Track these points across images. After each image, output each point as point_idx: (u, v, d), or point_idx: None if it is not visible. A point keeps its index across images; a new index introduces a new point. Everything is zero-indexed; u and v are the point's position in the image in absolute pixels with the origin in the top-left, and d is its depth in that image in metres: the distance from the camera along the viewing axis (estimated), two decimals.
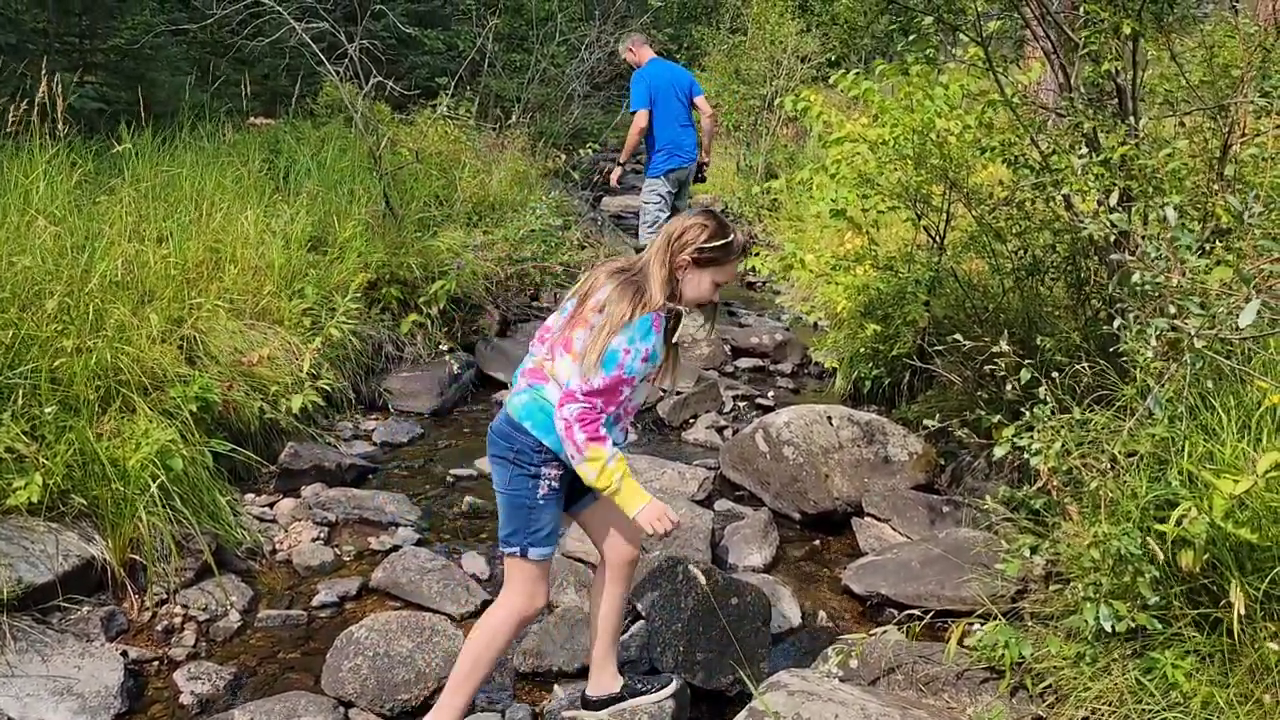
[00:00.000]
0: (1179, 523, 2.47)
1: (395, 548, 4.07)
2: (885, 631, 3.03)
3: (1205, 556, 2.50)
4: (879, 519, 4.53)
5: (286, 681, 3.23)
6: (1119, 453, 2.70)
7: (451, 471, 4.91)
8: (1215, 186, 3.23)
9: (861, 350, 5.82)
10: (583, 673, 3.32)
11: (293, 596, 3.73)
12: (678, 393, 6.07)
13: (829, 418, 4.90)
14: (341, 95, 6.90)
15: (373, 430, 5.34)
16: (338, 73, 6.74)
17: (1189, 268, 2.32)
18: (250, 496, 4.40)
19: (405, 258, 6.02)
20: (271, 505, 4.37)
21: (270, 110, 8.43)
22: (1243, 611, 2.28)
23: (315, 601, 3.68)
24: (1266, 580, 2.45)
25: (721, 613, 3.44)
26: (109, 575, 3.44)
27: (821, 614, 3.87)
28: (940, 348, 4.35)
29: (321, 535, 4.17)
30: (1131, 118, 3.31)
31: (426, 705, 3.09)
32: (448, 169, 7.53)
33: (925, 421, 3.41)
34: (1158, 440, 2.70)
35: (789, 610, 3.83)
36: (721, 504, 4.79)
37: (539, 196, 8.30)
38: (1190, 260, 2.34)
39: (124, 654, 3.20)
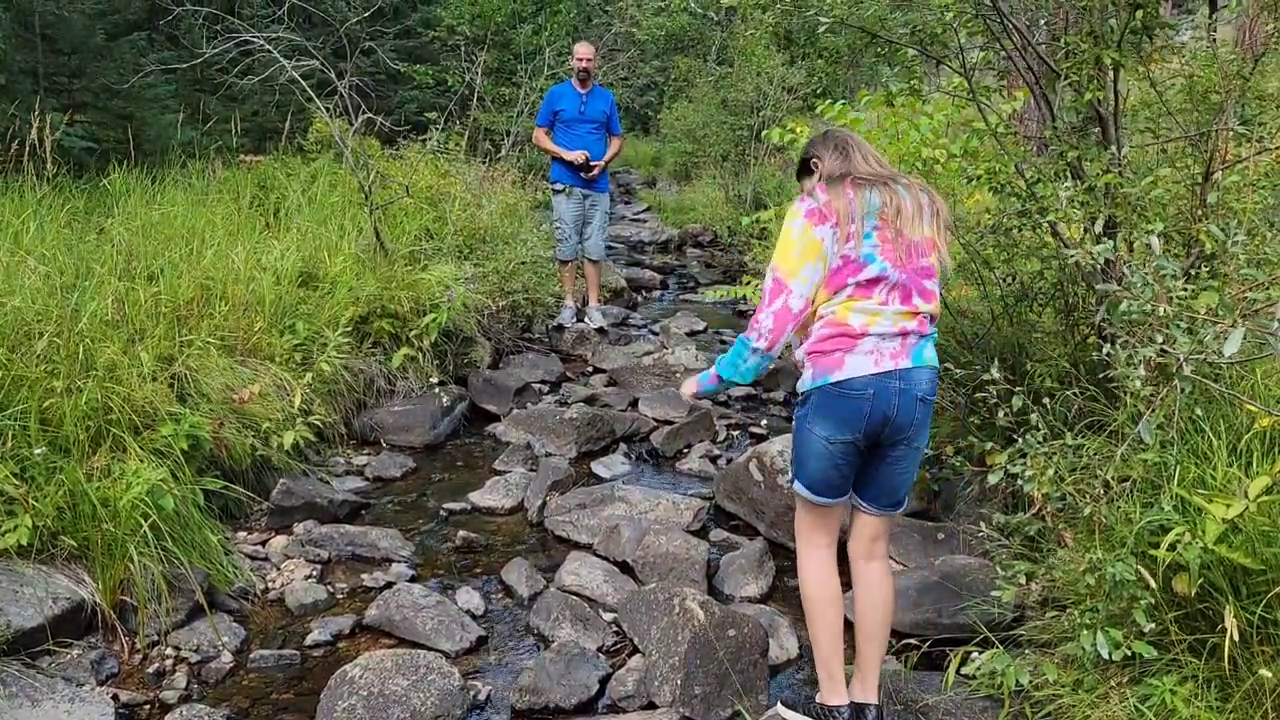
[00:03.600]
0: (1172, 548, 2.48)
1: (389, 584, 4.04)
2: (883, 661, 3.00)
3: (1199, 581, 2.51)
4: None
5: None
6: (1111, 478, 2.70)
7: (444, 506, 4.89)
8: (1199, 213, 3.27)
9: None
10: (580, 709, 3.29)
11: (285, 636, 3.70)
12: (670, 423, 6.08)
13: None
14: (331, 131, 6.92)
15: (365, 465, 5.32)
16: (327, 109, 6.78)
17: (1174, 295, 2.34)
18: (242, 534, 4.38)
19: (396, 291, 6.02)
20: (264, 543, 4.34)
21: (260, 147, 8.48)
22: (1236, 636, 2.28)
23: (308, 640, 3.65)
24: (1262, 604, 2.46)
25: (719, 645, 3.42)
26: (99, 617, 3.41)
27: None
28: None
29: (314, 573, 4.14)
30: (1114, 146, 3.35)
31: None
32: (438, 202, 7.56)
33: None
34: (1150, 465, 2.71)
35: (787, 641, 3.81)
36: (716, 534, 4.78)
37: (530, 228, 8.34)
38: (1176, 288, 2.36)
39: (114, 698, 3.16)
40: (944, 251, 2.72)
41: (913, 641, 3.29)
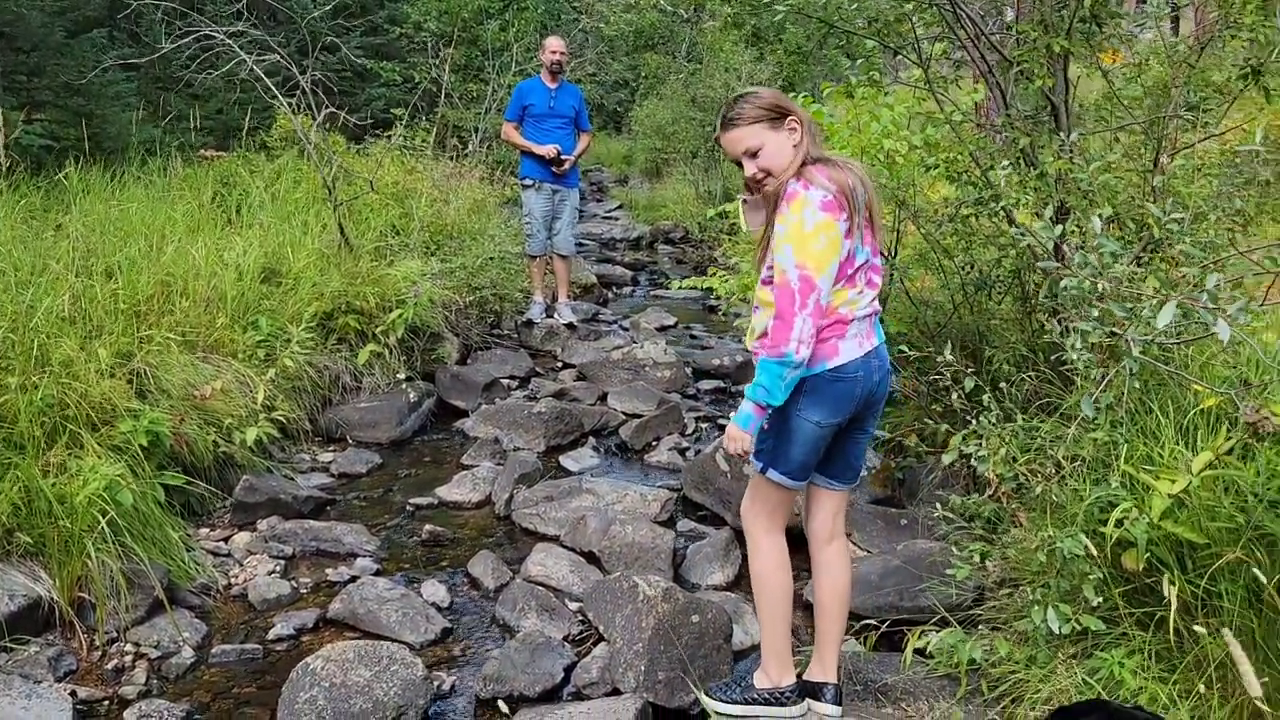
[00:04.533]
0: (1120, 524, 2.53)
1: (353, 579, 4.03)
2: (844, 643, 3.04)
3: (1146, 556, 2.56)
4: None
5: (242, 717, 3.18)
6: (1063, 458, 2.75)
7: (411, 501, 4.87)
8: (1148, 198, 3.33)
9: None
10: (545, 696, 3.30)
11: (248, 631, 3.68)
12: (639, 416, 6.09)
13: None
14: (294, 127, 6.88)
15: (330, 461, 5.30)
16: (290, 105, 6.74)
17: (1114, 274, 2.39)
18: (205, 531, 4.35)
19: (361, 287, 6.00)
20: (227, 539, 4.32)
21: (223, 144, 8.40)
22: (1176, 606, 2.32)
23: (271, 635, 3.63)
24: (1205, 577, 2.51)
25: (683, 631, 3.44)
26: (57, 614, 3.38)
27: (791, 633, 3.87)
28: (896, 360, 4.41)
29: (278, 568, 4.12)
30: (1063, 133, 3.41)
31: None
32: (404, 199, 7.53)
33: (876, 432, 3.45)
34: (1100, 445, 2.76)
35: (751, 627, 3.83)
36: (684, 524, 4.80)
37: (498, 224, 8.33)
38: (1117, 267, 2.41)
39: (73, 694, 3.14)
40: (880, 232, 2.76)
41: (873, 623, 3.32)
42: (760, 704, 2.87)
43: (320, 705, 3.05)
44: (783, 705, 2.84)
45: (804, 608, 4.01)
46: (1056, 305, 2.98)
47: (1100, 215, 2.49)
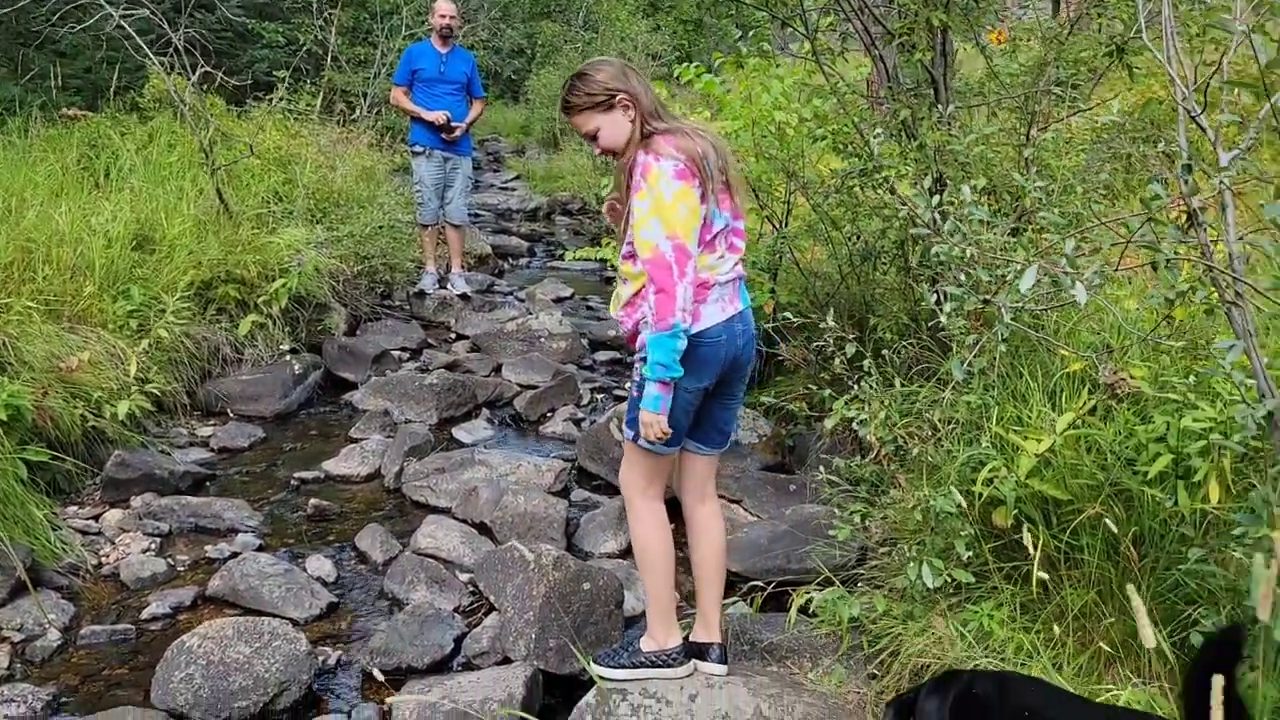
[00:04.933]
0: (990, 483, 2.63)
1: (234, 555, 3.90)
2: (732, 604, 3.09)
3: (1014, 513, 2.68)
4: (730, 500, 4.63)
5: (113, 698, 3.05)
6: (939, 421, 2.85)
7: (296, 475, 4.74)
8: (1020, 170, 3.46)
9: None
10: (435, 668, 3.27)
11: (120, 611, 3.53)
12: (534, 387, 6.05)
13: None
14: (168, 88, 6.54)
15: (210, 436, 5.10)
16: (163, 64, 6.40)
17: (981, 240, 2.47)
18: (73, 509, 4.14)
19: (242, 255, 5.77)
20: (97, 517, 4.12)
21: (91, 104, 7.92)
22: (1040, 559, 2.44)
23: (145, 614, 3.49)
24: (1068, 532, 2.64)
25: (574, 599, 3.45)
26: None
27: (675, 595, 3.92)
28: (783, 327, 4.49)
29: (153, 546, 3.95)
30: (942, 105, 3.51)
31: (266, 712, 2.99)
32: (288, 164, 7.25)
33: (762, 399, 3.50)
34: (973, 408, 2.87)
35: (644, 593, 3.86)
36: (578, 494, 4.81)
37: (387, 192, 8.12)
38: (986, 234, 2.50)
39: None
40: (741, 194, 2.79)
41: (760, 585, 3.40)
42: (647, 667, 2.90)
43: (197, 684, 2.95)
44: (669, 666, 2.88)
45: (686, 571, 4.09)
46: (936, 273, 3.07)
47: (972, 185, 2.57)
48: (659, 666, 2.89)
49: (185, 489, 4.48)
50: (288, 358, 5.71)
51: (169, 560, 3.86)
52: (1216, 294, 2.11)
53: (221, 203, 6.05)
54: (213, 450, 4.99)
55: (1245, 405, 2.00)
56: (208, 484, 4.63)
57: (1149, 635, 1.13)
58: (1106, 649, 2.46)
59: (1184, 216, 2.22)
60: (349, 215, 7.13)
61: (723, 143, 2.71)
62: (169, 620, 3.49)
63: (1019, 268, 1.92)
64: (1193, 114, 2.11)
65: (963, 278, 2.41)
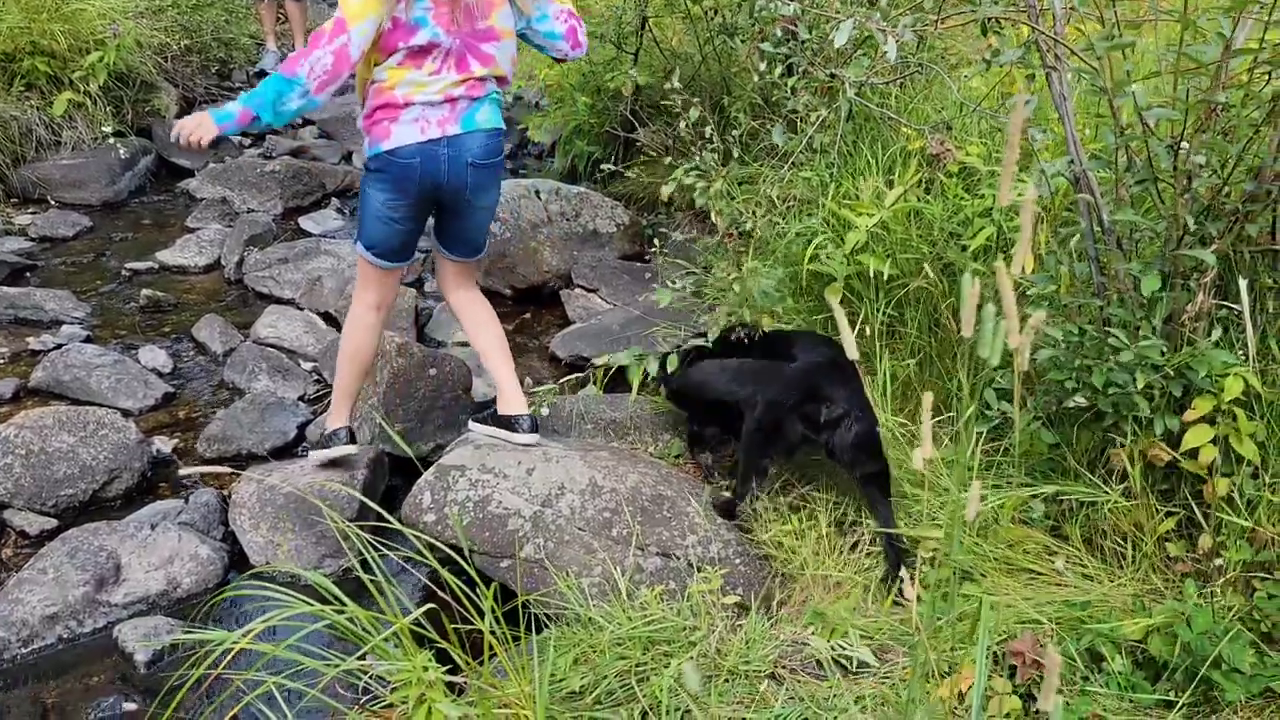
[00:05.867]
0: (816, 258, 2.66)
1: (58, 346, 3.69)
2: (569, 380, 3.12)
3: (844, 289, 2.73)
4: (587, 289, 4.62)
5: None
6: (776, 197, 2.83)
7: (128, 265, 4.47)
8: None
9: (576, 126, 5.74)
10: (276, 454, 3.24)
11: None
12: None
13: (536, 192, 4.84)
14: None
15: (29, 225, 4.73)
16: None
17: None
18: None
19: (48, 24, 5.16)
20: None
21: None
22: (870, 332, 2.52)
23: None
24: (893, 304, 2.72)
25: (419, 384, 3.43)
26: None
27: (528, 380, 3.93)
28: (641, 111, 4.34)
29: None
30: None
31: (97, 499, 2.92)
32: None
33: (621, 187, 3.41)
34: (811, 184, 2.86)
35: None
36: (433, 285, 4.70)
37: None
38: None
39: None
40: (523, 6, 2.69)
41: (597, 362, 3.44)
42: (325, 446, 2.96)
43: (17, 473, 2.84)
44: (326, 447, 2.95)
45: (550, 360, 4.11)
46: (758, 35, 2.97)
47: None
48: (328, 445, 2.95)
49: (2, 280, 4.18)
50: (112, 140, 5.26)
51: None
52: (1039, 58, 2.09)
53: None
54: (32, 239, 4.64)
55: (1041, 165, 2.03)
56: (28, 275, 4.33)
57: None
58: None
59: None
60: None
61: None
62: None
63: (838, 22, 1.85)
64: None
65: (779, 33, 2.33)
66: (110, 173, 5.17)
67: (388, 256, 2.83)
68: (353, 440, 2.96)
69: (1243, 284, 1.85)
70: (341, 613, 1.86)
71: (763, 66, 2.54)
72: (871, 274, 2.78)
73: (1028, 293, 2.21)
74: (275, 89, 2.49)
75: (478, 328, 3.03)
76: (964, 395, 2.37)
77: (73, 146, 5.21)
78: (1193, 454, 1.98)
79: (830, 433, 2.43)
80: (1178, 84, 1.88)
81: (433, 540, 2.61)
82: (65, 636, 2.46)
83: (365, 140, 2.72)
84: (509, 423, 2.93)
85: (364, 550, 1.95)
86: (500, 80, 2.77)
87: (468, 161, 2.71)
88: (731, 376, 2.71)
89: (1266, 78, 1.83)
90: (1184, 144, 1.90)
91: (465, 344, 4.17)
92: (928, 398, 1.07)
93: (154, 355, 3.73)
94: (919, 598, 1.63)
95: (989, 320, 0.94)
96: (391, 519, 1.98)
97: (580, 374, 3.68)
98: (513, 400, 2.96)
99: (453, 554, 2.44)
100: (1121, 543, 2.15)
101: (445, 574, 1.91)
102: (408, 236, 2.82)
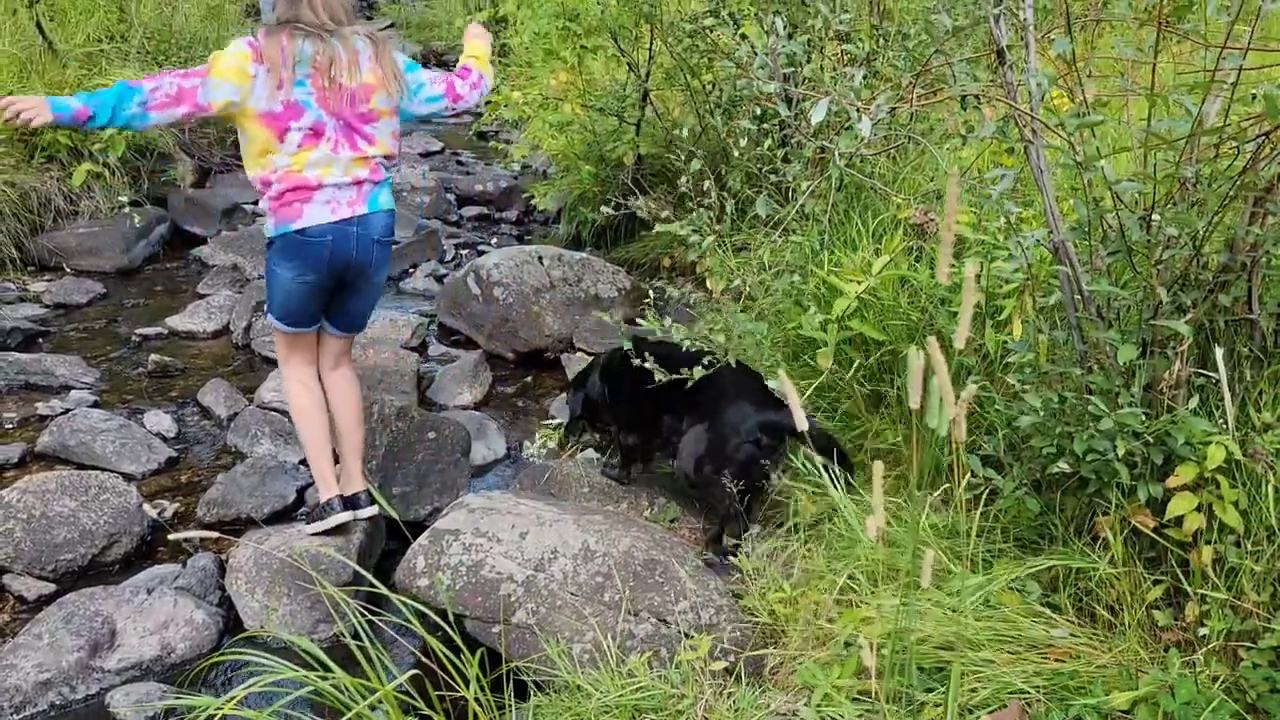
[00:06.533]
0: (816, 326, 2.70)
1: (66, 411, 3.76)
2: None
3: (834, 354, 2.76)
4: (589, 352, 4.67)
5: None
6: (767, 261, 2.88)
7: (138, 330, 4.55)
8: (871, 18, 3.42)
9: (581, 193, 5.86)
10: (275, 518, 3.27)
11: None
12: (395, 242, 5.89)
13: (540, 258, 4.93)
14: None
15: (43, 291, 4.84)
16: None
17: (787, 72, 2.45)
18: None
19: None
20: None
21: None
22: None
23: None
24: (882, 371, 2.75)
25: (418, 448, 3.46)
26: None
27: (527, 444, 3.98)
28: (642, 180, 4.43)
29: None
30: None
31: (96, 564, 2.95)
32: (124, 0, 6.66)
33: (623, 253, 3.47)
34: (801, 250, 2.91)
35: (494, 443, 3.91)
36: (437, 349, 4.77)
37: (238, 32, 7.56)
38: (806, 69, 2.47)
39: None
40: (392, 91, 2.85)
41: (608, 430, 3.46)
42: (318, 519, 3.00)
43: (18, 537, 2.87)
44: (321, 519, 2.98)
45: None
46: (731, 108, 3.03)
47: (779, 15, 2.52)
48: (316, 520, 2.98)
49: (15, 345, 4.27)
50: (128, 210, 5.39)
51: None
52: (1018, 132, 2.15)
53: (44, 39, 5.54)
54: (46, 306, 4.74)
55: (1015, 239, 2.07)
56: (40, 340, 4.42)
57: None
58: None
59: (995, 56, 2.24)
60: (193, 57, 6.63)
61: (350, 45, 2.78)
62: None
63: (814, 101, 1.91)
64: None
65: (757, 112, 2.40)
66: (125, 241, 5.29)
67: (302, 324, 2.93)
68: (348, 506, 2.99)
69: (1219, 352, 1.87)
70: (327, 679, 1.87)
71: (744, 142, 2.61)
72: (863, 340, 2.81)
73: (1009, 360, 2.24)
74: (117, 93, 2.56)
75: (345, 406, 3.07)
76: (954, 464, 2.38)
77: (90, 215, 5.36)
78: (1177, 521, 1.99)
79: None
80: (1147, 158, 1.93)
81: (424, 607, 2.62)
82: (58, 703, 2.46)
83: (270, 220, 2.80)
84: (353, 501, 3.00)
85: (354, 617, 1.96)
86: (388, 158, 2.92)
87: (374, 239, 2.87)
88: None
89: (1234, 153, 1.88)
90: (1155, 216, 1.94)
91: (466, 407, 4.23)
92: (878, 466, 1.10)
93: (159, 419, 3.79)
94: (879, 672, 1.63)
95: (934, 393, 0.97)
96: (381, 586, 2.00)
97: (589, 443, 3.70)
98: (353, 476, 3.05)
99: (441, 622, 2.44)
100: (1114, 610, 2.14)
101: (433, 641, 1.92)
102: (316, 305, 2.93)
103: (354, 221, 2.80)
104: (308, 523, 3.04)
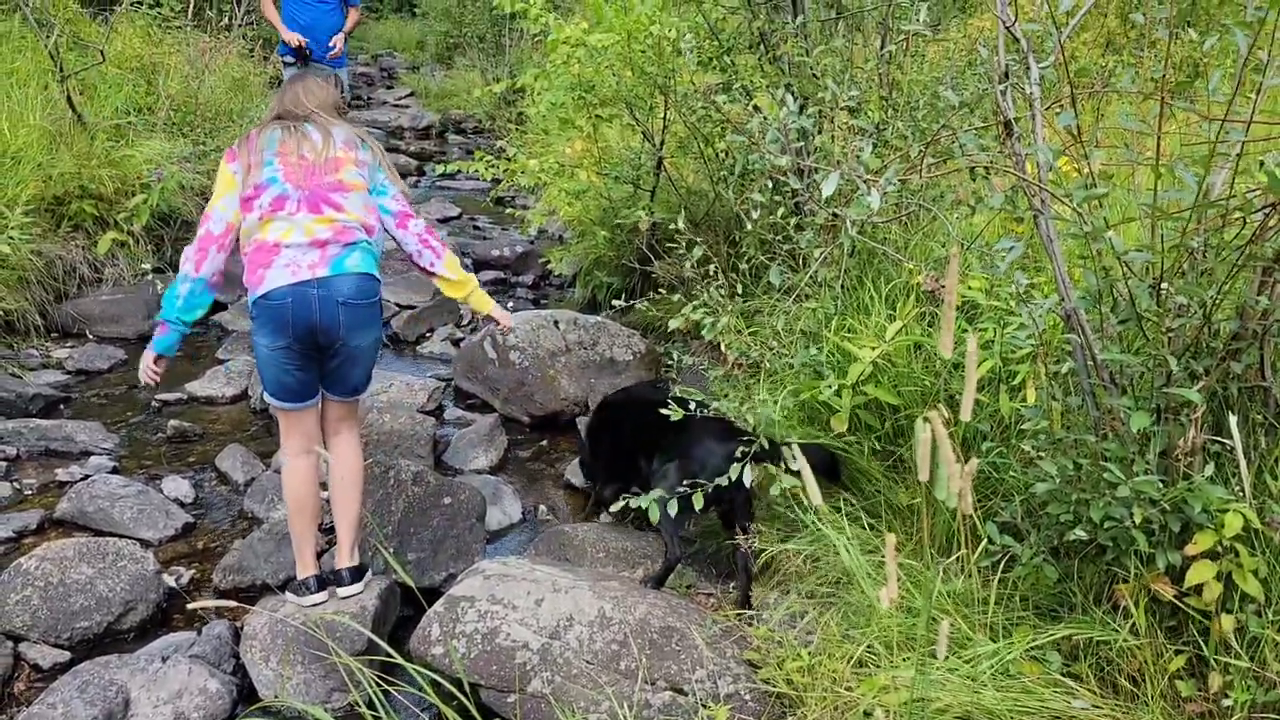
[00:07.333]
0: (831, 391, 2.71)
1: (85, 477, 3.79)
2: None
3: (849, 418, 2.77)
4: None
5: None
6: (782, 329, 2.91)
7: (158, 396, 4.60)
8: (876, 86, 3.49)
9: (596, 258, 5.93)
10: (289, 585, 3.26)
11: None
12: (412, 307, 5.97)
13: (555, 322, 4.97)
14: None
15: (66, 358, 4.91)
16: None
17: (797, 146, 2.51)
18: None
19: (97, 170, 5.47)
20: None
21: None
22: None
23: None
24: (899, 435, 2.75)
25: (434, 513, 3.47)
26: None
27: (543, 508, 3.98)
28: (658, 245, 4.49)
29: None
30: (800, 16, 3.50)
31: (112, 631, 2.95)
32: (150, 73, 6.86)
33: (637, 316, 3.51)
34: (815, 317, 2.94)
35: (510, 507, 3.91)
36: (453, 413, 4.80)
37: (261, 105, 7.76)
38: (816, 141, 2.53)
39: None
40: (362, 164, 2.98)
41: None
42: (294, 594, 3.00)
43: (35, 605, 2.88)
44: (299, 595, 2.98)
45: (565, 488, 4.14)
46: (743, 180, 3.10)
47: (789, 88, 2.59)
48: (297, 594, 2.98)
49: (36, 412, 4.32)
50: (150, 277, 5.49)
51: (14, 484, 3.74)
52: (1027, 202, 2.18)
53: (74, 112, 5.71)
54: (69, 372, 4.81)
55: (1026, 307, 2.09)
56: (62, 406, 4.47)
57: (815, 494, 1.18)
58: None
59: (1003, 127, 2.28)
60: (218, 129, 6.81)
61: (321, 125, 2.97)
62: (13, 544, 3.39)
63: (826, 174, 1.96)
64: (1007, 24, 2.16)
65: (770, 184, 2.45)
66: (147, 308, 5.37)
67: (291, 399, 2.93)
68: (322, 587, 3.00)
69: (1233, 420, 1.87)
70: None
71: (755, 214, 2.66)
72: (879, 405, 2.82)
73: (1023, 427, 2.25)
74: (170, 291, 2.83)
75: (343, 475, 3.07)
76: (961, 530, 2.38)
77: (113, 283, 5.45)
78: (1197, 589, 1.97)
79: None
80: (1154, 228, 1.96)
81: (439, 676, 2.60)
82: None
83: (249, 294, 2.85)
84: (337, 577, 3.02)
85: (369, 686, 1.96)
86: (368, 230, 2.94)
87: (339, 301, 2.82)
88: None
89: (1240, 223, 1.91)
90: (1164, 284, 1.96)
91: (481, 471, 4.24)
92: (890, 539, 1.11)
93: (177, 485, 3.81)
94: None
95: (942, 465, 0.99)
96: (396, 654, 1.99)
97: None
98: (343, 551, 3.06)
99: (456, 692, 2.43)
100: (1135, 680, 2.11)
101: (448, 711, 1.91)
102: (303, 375, 2.90)
103: (313, 284, 2.77)
104: (292, 593, 3.03)
